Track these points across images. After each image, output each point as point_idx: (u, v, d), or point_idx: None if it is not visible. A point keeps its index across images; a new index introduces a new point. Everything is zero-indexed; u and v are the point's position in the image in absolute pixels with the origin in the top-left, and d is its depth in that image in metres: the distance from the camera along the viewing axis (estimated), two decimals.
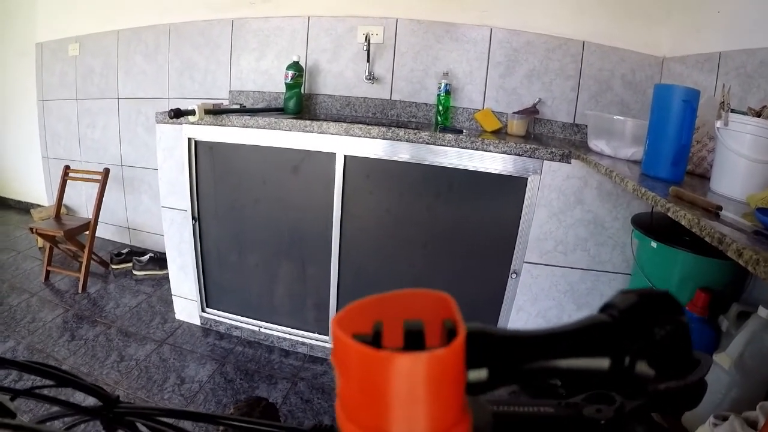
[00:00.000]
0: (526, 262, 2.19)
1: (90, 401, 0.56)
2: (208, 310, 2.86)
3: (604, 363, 0.29)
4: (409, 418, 0.25)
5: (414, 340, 0.27)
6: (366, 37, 2.83)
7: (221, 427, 0.60)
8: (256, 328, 2.74)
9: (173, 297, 2.93)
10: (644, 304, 0.30)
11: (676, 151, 1.54)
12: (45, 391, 0.56)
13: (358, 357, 0.25)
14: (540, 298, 2.25)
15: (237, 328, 2.79)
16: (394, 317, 0.29)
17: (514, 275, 2.23)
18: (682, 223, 1.15)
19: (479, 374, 0.28)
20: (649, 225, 1.83)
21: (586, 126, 2.50)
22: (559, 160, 2.01)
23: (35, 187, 4.81)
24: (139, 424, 0.56)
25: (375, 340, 0.27)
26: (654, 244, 1.75)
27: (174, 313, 2.97)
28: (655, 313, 0.30)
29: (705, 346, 1.67)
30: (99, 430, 0.55)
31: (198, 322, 2.90)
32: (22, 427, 0.31)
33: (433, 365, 0.25)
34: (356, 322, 0.28)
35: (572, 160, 2.01)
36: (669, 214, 1.22)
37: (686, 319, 0.30)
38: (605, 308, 0.32)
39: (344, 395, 0.27)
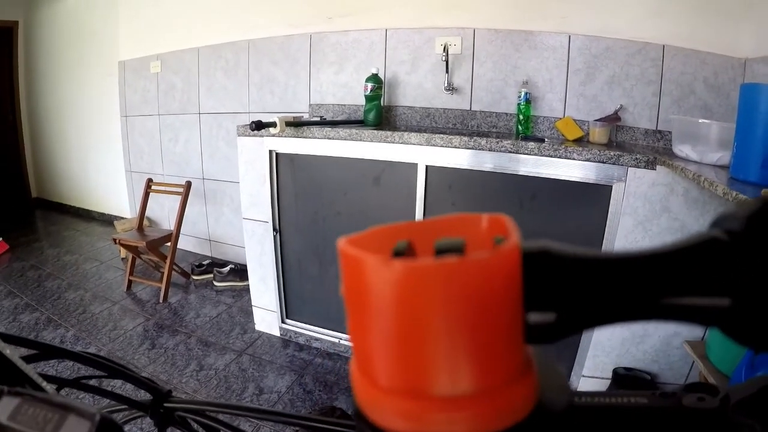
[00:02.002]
0: None
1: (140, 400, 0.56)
2: (288, 321, 2.97)
3: (721, 302, 0.21)
4: (438, 365, 0.20)
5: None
6: (444, 47, 2.91)
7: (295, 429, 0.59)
8: (336, 340, 2.83)
9: (253, 308, 3.05)
10: None
11: (765, 152, 1.52)
12: (94, 383, 0.56)
13: (367, 273, 0.20)
14: None
15: (317, 339, 2.89)
16: (429, 241, 0.23)
17: None
18: None
19: (544, 316, 0.21)
20: None
21: (669, 132, 2.51)
22: (644, 167, 2.03)
23: (118, 200, 5.11)
24: (193, 422, 0.55)
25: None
26: None
27: (254, 324, 3.10)
28: None
29: None
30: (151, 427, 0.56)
31: (278, 333, 3.01)
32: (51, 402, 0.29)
33: (468, 278, 0.19)
34: (376, 245, 0.23)
35: (657, 167, 2.01)
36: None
37: None
38: (717, 223, 0.23)
39: (356, 340, 0.22)
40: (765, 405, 0.28)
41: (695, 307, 0.21)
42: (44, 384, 0.40)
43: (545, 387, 0.23)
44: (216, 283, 3.72)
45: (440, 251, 0.20)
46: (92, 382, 0.55)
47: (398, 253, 0.22)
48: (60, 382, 0.50)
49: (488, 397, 0.20)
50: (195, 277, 3.82)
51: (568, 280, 0.21)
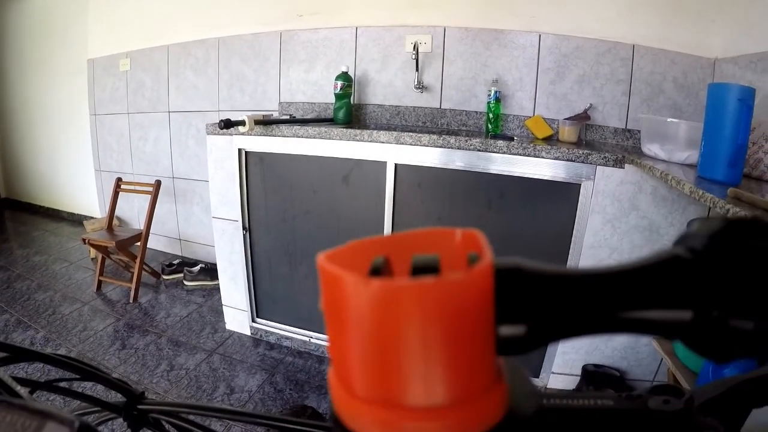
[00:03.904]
0: None
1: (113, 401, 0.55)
2: (258, 320, 2.93)
3: (683, 315, 0.22)
4: (413, 378, 0.20)
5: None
6: (414, 45, 2.88)
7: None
8: (307, 339, 2.79)
9: (224, 307, 3.01)
10: (734, 232, 0.23)
11: (732, 151, 1.52)
12: (66, 385, 0.54)
13: (347, 291, 0.20)
14: None
15: (287, 338, 2.85)
16: (405, 256, 0.24)
17: None
18: None
19: (515, 329, 0.22)
20: None
21: (639, 131, 2.53)
22: (613, 165, 2.03)
23: (88, 200, 5.02)
24: (167, 423, 0.55)
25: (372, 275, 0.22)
26: None
27: (224, 323, 3.06)
28: (751, 243, 0.23)
29: None
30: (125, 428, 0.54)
31: (248, 333, 2.98)
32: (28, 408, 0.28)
33: (443, 297, 0.20)
34: (354, 260, 0.23)
35: (626, 165, 2.02)
36: (728, 216, 1.22)
37: None
38: (681, 241, 0.25)
39: (334, 351, 0.22)
40: (729, 406, 0.32)
41: (659, 321, 0.23)
42: (18, 387, 0.40)
43: (515, 394, 0.24)
44: (186, 283, 3.67)
45: (417, 269, 0.21)
46: (64, 384, 0.54)
47: (375, 270, 0.22)
48: (32, 385, 0.49)
49: (461, 406, 0.21)
50: (165, 277, 3.76)
51: (538, 295, 0.22)
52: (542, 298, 0.22)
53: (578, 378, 2.28)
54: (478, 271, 0.20)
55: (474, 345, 0.21)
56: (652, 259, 0.24)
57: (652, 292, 0.23)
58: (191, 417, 0.54)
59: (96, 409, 0.54)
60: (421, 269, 0.21)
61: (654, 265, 0.23)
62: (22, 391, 0.40)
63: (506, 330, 0.22)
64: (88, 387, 2.06)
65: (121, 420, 0.53)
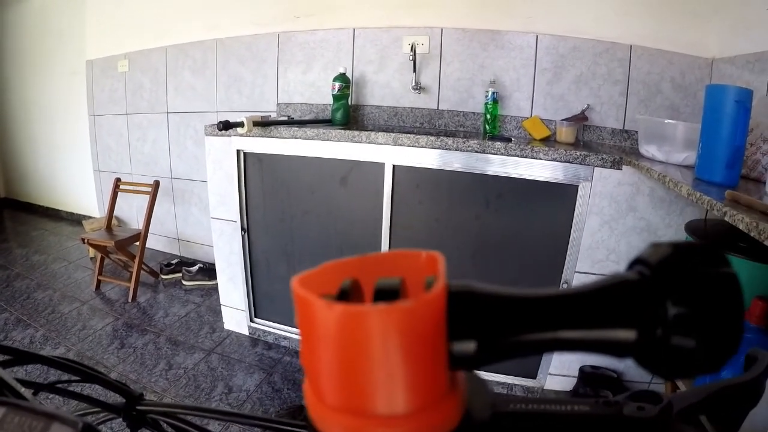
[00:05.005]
0: (578, 272, 2.18)
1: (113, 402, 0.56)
2: (256, 320, 2.92)
3: (629, 335, 0.24)
4: (375, 389, 0.23)
5: (385, 299, 0.24)
6: (411, 47, 2.86)
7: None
8: None
9: (222, 307, 3.00)
10: (681, 257, 0.24)
11: (730, 153, 1.51)
12: (66, 387, 0.56)
13: (315, 313, 0.23)
14: None
15: (285, 338, 2.84)
16: (374, 276, 0.26)
17: (565, 285, 2.22)
18: (740, 227, 1.13)
19: (465, 346, 0.24)
20: (703, 232, 1.80)
21: (636, 132, 2.50)
22: (610, 167, 2.01)
23: (87, 200, 5.00)
24: (165, 424, 0.56)
25: (341, 299, 0.25)
26: None
27: (222, 323, 3.04)
28: (696, 268, 0.24)
29: None
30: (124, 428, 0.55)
31: (246, 332, 2.96)
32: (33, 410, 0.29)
33: (396, 322, 0.22)
34: (326, 282, 0.26)
35: (623, 167, 2.00)
36: (725, 218, 1.20)
37: (734, 271, 0.24)
38: (633, 264, 0.26)
39: (307, 364, 0.24)
40: (710, 411, 0.34)
41: (603, 341, 0.24)
42: (22, 389, 0.41)
43: (473, 402, 0.26)
44: (185, 282, 3.65)
45: (379, 292, 0.24)
46: (64, 385, 0.55)
47: (343, 292, 0.25)
48: (36, 387, 0.50)
49: (418, 414, 0.23)
50: (164, 277, 3.74)
51: (486, 315, 0.24)
52: (490, 318, 0.24)
53: (575, 379, 2.27)
54: (430, 298, 0.22)
55: (428, 361, 0.23)
56: (602, 282, 0.25)
57: (595, 313, 0.24)
58: (189, 418, 0.55)
59: (96, 409, 0.55)
60: (383, 292, 0.24)
61: (602, 288, 0.25)
62: (26, 392, 0.41)
63: (457, 347, 0.24)
64: (87, 388, 2.05)
65: (120, 420, 0.54)
